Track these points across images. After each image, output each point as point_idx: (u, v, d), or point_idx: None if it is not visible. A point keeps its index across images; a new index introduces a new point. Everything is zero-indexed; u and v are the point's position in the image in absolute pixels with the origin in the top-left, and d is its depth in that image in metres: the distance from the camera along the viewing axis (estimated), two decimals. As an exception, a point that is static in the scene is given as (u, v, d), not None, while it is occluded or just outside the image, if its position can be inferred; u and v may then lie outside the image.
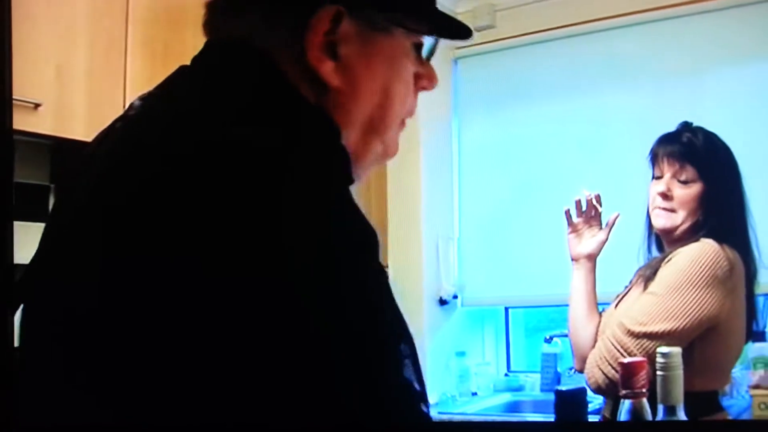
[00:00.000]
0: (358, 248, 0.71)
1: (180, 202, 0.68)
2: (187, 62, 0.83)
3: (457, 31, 0.88)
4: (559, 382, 3.36)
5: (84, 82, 2.25)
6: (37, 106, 2.12)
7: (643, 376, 1.04)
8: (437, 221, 3.44)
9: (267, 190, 0.67)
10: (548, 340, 3.30)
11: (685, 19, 3.08)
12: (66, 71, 2.20)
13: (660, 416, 1.04)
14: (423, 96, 3.07)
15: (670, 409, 1.03)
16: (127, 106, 2.32)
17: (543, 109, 3.39)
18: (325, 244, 0.68)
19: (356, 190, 2.63)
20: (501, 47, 3.51)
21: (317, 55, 0.76)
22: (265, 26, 0.77)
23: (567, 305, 3.37)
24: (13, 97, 2.02)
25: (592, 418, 2.43)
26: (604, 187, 2.45)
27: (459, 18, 3.23)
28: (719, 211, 1.86)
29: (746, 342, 1.88)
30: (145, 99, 0.82)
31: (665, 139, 1.95)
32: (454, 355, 3.37)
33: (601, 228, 2.03)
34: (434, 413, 3.02)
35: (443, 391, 3.26)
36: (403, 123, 0.88)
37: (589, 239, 2.03)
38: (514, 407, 3.27)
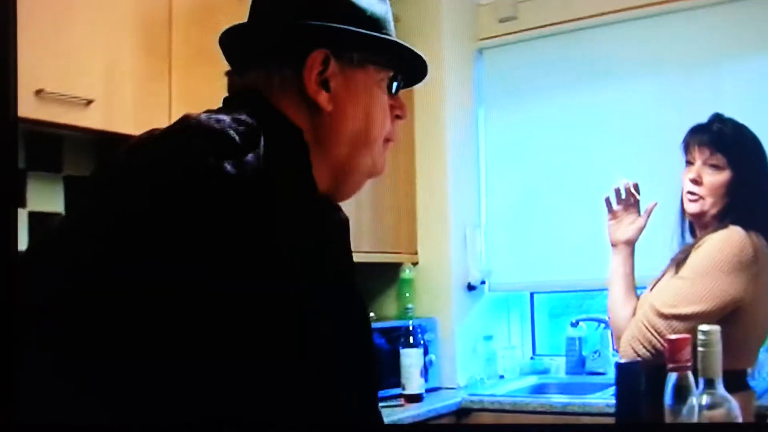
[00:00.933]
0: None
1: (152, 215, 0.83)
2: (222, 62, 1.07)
3: (415, 65, 1.06)
4: (583, 366, 3.45)
5: (131, 80, 2.35)
6: (89, 102, 2.22)
7: (688, 351, 1.13)
8: (464, 210, 3.53)
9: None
10: (574, 324, 3.39)
11: (708, 9, 3.15)
12: (114, 70, 2.30)
13: (700, 388, 1.13)
14: (449, 87, 3.16)
15: (709, 382, 1.11)
16: (170, 102, 2.41)
17: (565, 99, 3.47)
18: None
19: (385, 184, 2.73)
20: (524, 38, 3.58)
21: (315, 88, 0.98)
22: (268, 75, 1.00)
23: (590, 290, 3.49)
24: (67, 94, 2.15)
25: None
26: (628, 174, 2.55)
27: (482, 9, 3.29)
28: (746, 198, 1.94)
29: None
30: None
31: (697, 129, 2.03)
32: (481, 339, 3.47)
33: (639, 215, 2.11)
34: (463, 395, 3.12)
35: (471, 374, 3.36)
36: (386, 143, 1.06)
37: (628, 225, 2.10)
38: (540, 389, 3.36)
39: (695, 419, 1.11)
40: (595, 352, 3.44)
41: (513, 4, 3.63)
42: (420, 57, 1.06)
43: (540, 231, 3.48)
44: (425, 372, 3.07)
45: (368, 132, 1.03)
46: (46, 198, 2.51)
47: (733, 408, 1.13)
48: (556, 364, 3.58)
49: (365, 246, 3.17)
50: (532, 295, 3.75)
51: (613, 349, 3.24)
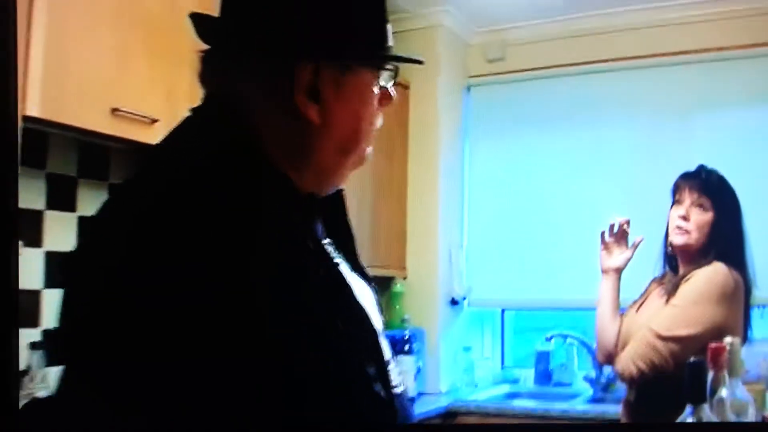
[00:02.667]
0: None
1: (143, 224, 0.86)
2: None
3: (408, 58, 1.04)
4: (551, 377, 3.81)
5: (186, 102, 2.59)
6: (154, 121, 2.46)
7: (724, 357, 1.48)
8: (449, 231, 3.86)
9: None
10: (549, 339, 3.73)
11: (681, 66, 3.56)
12: (173, 93, 2.55)
13: (727, 382, 1.47)
14: (442, 119, 3.51)
15: (734, 379, 1.47)
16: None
17: (545, 136, 3.84)
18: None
19: (381, 206, 3.03)
20: (511, 79, 3.94)
21: (303, 100, 0.94)
22: (247, 80, 0.95)
23: (558, 309, 3.85)
24: (139, 113, 2.39)
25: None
26: (599, 210, 2.93)
27: (472, 49, 3.65)
28: (726, 237, 2.31)
29: (742, 345, 2.33)
30: (162, 140, 1.04)
31: (687, 175, 2.39)
32: (461, 349, 3.80)
33: (627, 247, 2.45)
34: (449, 400, 3.44)
35: (452, 381, 3.69)
36: (371, 138, 1.04)
37: (618, 256, 2.45)
38: (513, 397, 3.70)
39: (727, 406, 1.45)
40: (562, 365, 3.80)
41: (501, 46, 3.98)
42: (418, 61, 1.05)
43: (515, 254, 3.84)
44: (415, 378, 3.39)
45: (357, 136, 1.00)
46: (93, 203, 2.74)
47: (749, 398, 1.48)
48: (524, 375, 3.93)
49: (363, 260, 3.46)
50: (502, 311, 4.10)
51: (594, 360, 3.61)
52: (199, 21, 1.04)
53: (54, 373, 2.39)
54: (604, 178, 3.67)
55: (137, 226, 0.86)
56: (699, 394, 1.35)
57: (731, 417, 1.50)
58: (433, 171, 3.79)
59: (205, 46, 1.05)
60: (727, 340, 1.48)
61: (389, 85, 1.03)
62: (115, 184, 2.79)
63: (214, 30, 1.03)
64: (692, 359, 1.37)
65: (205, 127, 0.99)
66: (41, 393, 2.06)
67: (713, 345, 1.53)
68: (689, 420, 1.35)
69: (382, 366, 0.94)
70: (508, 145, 3.93)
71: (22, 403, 2.04)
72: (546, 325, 3.96)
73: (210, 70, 1.03)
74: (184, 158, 0.94)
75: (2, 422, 0.95)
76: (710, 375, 1.51)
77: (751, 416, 1.60)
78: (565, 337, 3.76)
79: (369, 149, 1.04)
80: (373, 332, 0.96)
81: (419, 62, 1.05)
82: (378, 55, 1.00)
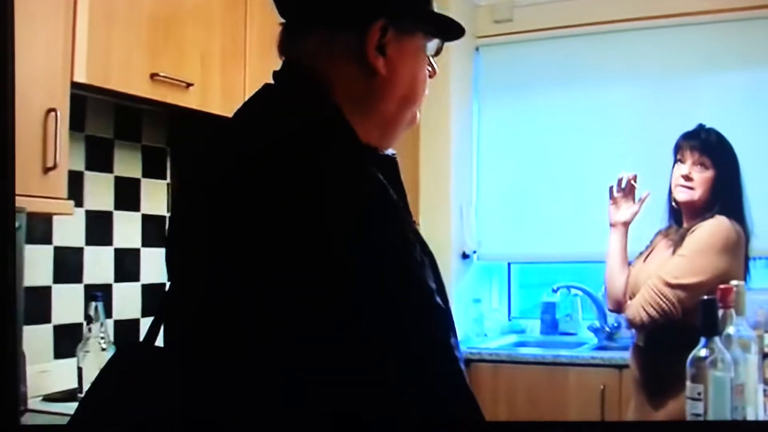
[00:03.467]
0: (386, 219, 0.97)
1: (242, 198, 0.98)
2: None
3: (456, 32, 1.19)
4: (557, 327, 3.99)
5: (218, 67, 2.72)
6: (188, 85, 2.59)
7: (732, 297, 1.65)
8: (460, 189, 4.02)
9: (306, 185, 0.96)
10: (555, 290, 3.91)
11: (684, 27, 3.69)
12: (207, 58, 2.68)
13: (734, 319, 1.65)
14: (452, 79, 3.66)
15: (740, 317, 1.64)
16: (244, 86, 2.75)
17: (553, 97, 3.98)
18: (362, 221, 0.95)
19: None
20: (518, 39, 4.07)
21: (373, 54, 1.08)
22: (327, 41, 1.09)
23: (564, 262, 4.02)
24: (175, 78, 2.52)
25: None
26: (604, 167, 3.08)
27: (481, 10, 3.78)
28: (726, 193, 2.47)
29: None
30: (240, 109, 1.12)
31: (687, 135, 2.54)
32: (471, 301, 3.98)
33: (634, 202, 2.61)
34: (462, 349, 3.61)
35: (463, 331, 3.87)
36: (422, 100, 1.17)
37: (626, 210, 2.60)
38: (521, 345, 3.89)
39: (734, 341, 1.63)
40: (567, 316, 3.99)
41: (509, 7, 4.10)
42: (461, 28, 1.18)
43: (522, 210, 4.01)
44: (430, 328, 3.55)
45: (414, 93, 1.14)
46: (128, 165, 2.89)
47: (752, 335, 1.66)
48: (531, 326, 4.11)
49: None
50: (509, 265, 4.28)
51: (599, 310, 3.80)
52: None
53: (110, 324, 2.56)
54: (609, 137, 3.82)
55: (254, 193, 0.98)
56: (711, 327, 1.51)
57: (737, 351, 1.67)
58: (445, 130, 3.94)
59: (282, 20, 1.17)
60: (734, 282, 1.65)
61: (434, 58, 1.19)
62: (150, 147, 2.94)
63: (290, 1, 1.16)
64: (705, 297, 1.53)
65: (291, 93, 1.11)
66: (102, 342, 2.22)
67: (722, 286, 1.70)
68: (702, 351, 1.52)
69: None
70: (516, 105, 4.07)
71: (82, 355, 2.21)
72: (549, 280, 4.11)
73: (289, 38, 1.14)
74: (274, 125, 1.06)
75: (2, 422, 1.03)
76: (720, 313, 1.68)
77: (753, 352, 1.78)
78: (570, 288, 3.94)
79: (418, 113, 1.19)
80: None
81: (461, 30, 1.19)
82: (430, 15, 1.16)
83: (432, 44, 1.18)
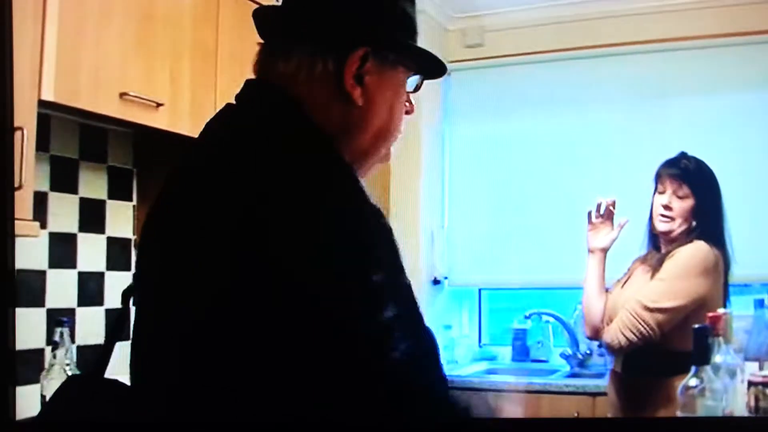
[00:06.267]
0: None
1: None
2: None
3: (438, 70, 1.20)
4: (527, 354, 3.96)
5: (188, 85, 2.66)
6: (158, 105, 2.52)
7: (722, 325, 1.63)
8: (431, 213, 4.00)
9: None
10: (528, 317, 3.88)
11: (653, 54, 3.71)
12: (177, 78, 2.62)
13: (722, 348, 1.62)
14: (422, 104, 3.62)
15: (727, 345, 1.62)
16: (215, 103, 2.70)
17: (526, 122, 3.98)
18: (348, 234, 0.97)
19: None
20: (490, 64, 4.06)
21: (351, 83, 1.08)
22: (306, 65, 1.07)
23: (536, 288, 4.00)
24: (145, 98, 2.45)
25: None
26: (579, 192, 3.06)
27: (451, 34, 3.76)
28: (706, 219, 2.46)
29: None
30: (209, 131, 1.11)
31: (668, 164, 2.53)
32: (442, 327, 3.93)
33: (613, 228, 2.59)
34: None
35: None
36: (398, 136, 1.18)
37: (604, 236, 2.58)
38: (493, 373, 3.84)
39: (722, 369, 1.60)
40: (539, 342, 3.95)
41: (480, 32, 4.10)
42: (444, 66, 1.19)
43: (494, 235, 3.98)
44: (401, 354, 3.50)
45: (389, 126, 1.13)
46: (93, 186, 2.80)
47: (738, 363, 1.63)
48: (502, 353, 4.07)
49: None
50: (480, 291, 4.24)
51: (571, 336, 3.77)
52: (260, 17, 1.17)
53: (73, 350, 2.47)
54: (583, 162, 3.81)
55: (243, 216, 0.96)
56: (704, 356, 1.49)
57: (725, 379, 1.65)
58: (415, 155, 3.90)
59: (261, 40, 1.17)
60: (721, 309, 1.63)
61: (411, 93, 1.19)
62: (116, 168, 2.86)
63: (273, 23, 1.15)
64: (697, 325, 1.51)
65: (268, 112, 1.08)
66: (68, 369, 2.13)
67: (711, 314, 1.67)
68: (693, 380, 1.49)
69: None
70: (488, 130, 4.05)
71: (45, 382, 2.12)
72: (520, 305, 4.09)
73: (268, 59, 1.12)
74: (255, 143, 1.03)
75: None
76: (713, 341, 1.66)
77: (739, 380, 1.75)
78: (541, 314, 3.91)
79: (393, 150, 1.19)
80: None
81: (443, 69, 1.20)
82: (413, 50, 1.15)
83: (412, 80, 1.17)
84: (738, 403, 1.64)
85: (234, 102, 1.13)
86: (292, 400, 0.92)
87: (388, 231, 1.03)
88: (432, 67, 1.19)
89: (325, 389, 0.92)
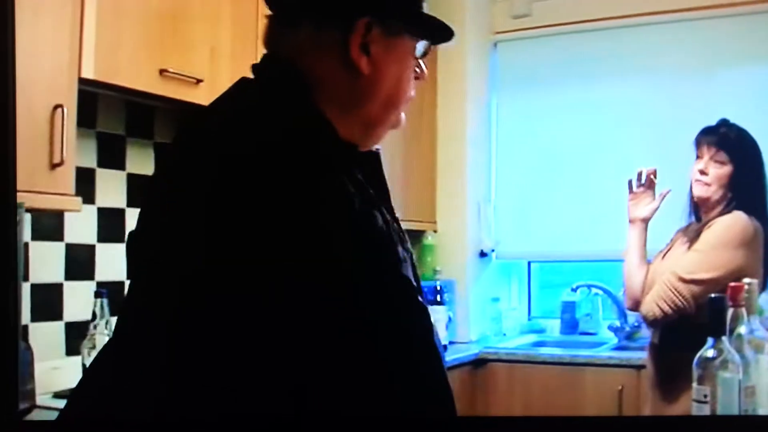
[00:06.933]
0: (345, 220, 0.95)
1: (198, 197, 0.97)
2: None
3: (444, 35, 1.15)
4: (576, 327, 3.94)
5: (228, 62, 2.71)
6: (198, 81, 2.57)
7: (742, 295, 1.60)
8: (478, 186, 3.99)
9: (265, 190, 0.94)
10: (574, 290, 3.86)
11: (703, 21, 3.62)
12: (216, 53, 2.66)
13: (744, 320, 1.59)
14: (469, 76, 3.60)
15: (751, 316, 1.59)
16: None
17: (571, 92, 3.92)
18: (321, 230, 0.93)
19: (412, 160, 3.17)
20: (537, 35, 4.01)
21: (357, 52, 1.06)
22: (313, 36, 1.07)
23: (583, 261, 3.97)
24: (184, 74, 2.50)
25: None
26: (625, 162, 3.02)
27: (498, 5, 3.70)
28: (745, 188, 2.41)
29: (761, 292, 2.44)
30: (217, 101, 1.10)
31: (706, 131, 2.48)
32: (489, 300, 3.94)
33: (654, 198, 2.56)
34: (479, 348, 3.58)
35: (481, 330, 3.83)
36: (407, 103, 1.16)
37: (645, 206, 2.55)
38: (540, 345, 3.83)
39: (745, 341, 1.58)
40: (587, 315, 3.93)
41: (528, 2, 4.04)
42: (451, 31, 1.15)
43: (542, 207, 3.95)
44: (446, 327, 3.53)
45: (398, 95, 1.13)
46: (140, 162, 2.88)
47: (766, 336, 1.61)
48: (551, 325, 4.06)
49: (397, 215, 3.59)
50: (529, 263, 4.22)
51: (619, 309, 3.74)
52: None
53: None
54: (629, 132, 3.75)
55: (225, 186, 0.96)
56: (719, 327, 1.47)
57: (749, 353, 1.62)
58: (462, 127, 3.90)
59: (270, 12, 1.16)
60: (746, 279, 1.60)
61: (422, 60, 1.16)
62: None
63: None
64: (713, 295, 1.48)
65: (272, 91, 1.08)
66: (104, 339, 2.21)
67: (732, 284, 1.65)
68: (710, 352, 1.47)
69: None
70: (534, 101, 4.01)
71: (86, 351, 2.20)
72: (570, 279, 4.05)
73: (276, 31, 1.13)
74: (254, 129, 1.02)
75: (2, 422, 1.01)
76: (730, 312, 1.63)
77: (767, 352, 1.72)
78: (590, 287, 3.88)
79: (403, 116, 1.17)
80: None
81: (450, 34, 1.16)
82: (417, 17, 1.12)
83: (420, 46, 1.15)
84: (762, 378, 1.61)
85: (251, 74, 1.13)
86: (265, 391, 0.91)
87: (373, 232, 0.97)
88: (438, 33, 1.16)
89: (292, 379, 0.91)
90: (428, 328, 0.99)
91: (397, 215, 1.09)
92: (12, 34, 1.37)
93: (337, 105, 1.08)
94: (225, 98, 1.11)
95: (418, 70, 1.17)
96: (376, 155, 1.13)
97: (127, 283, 1.09)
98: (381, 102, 1.11)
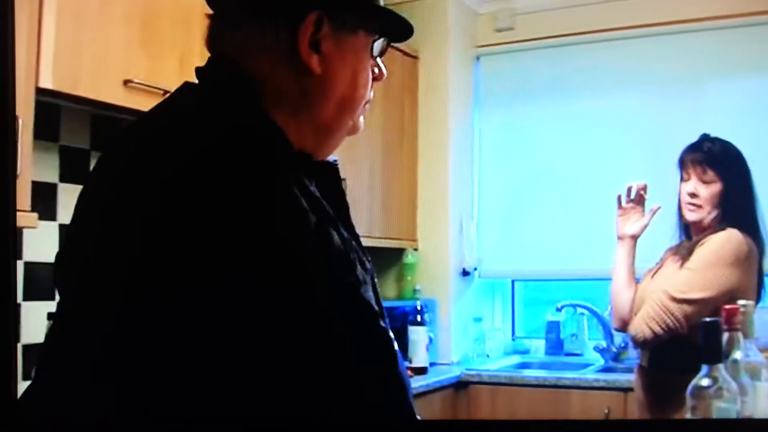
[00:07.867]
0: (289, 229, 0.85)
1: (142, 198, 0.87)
2: None
3: (403, 31, 1.08)
4: (561, 347, 3.83)
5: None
6: (165, 92, 2.45)
7: (738, 318, 1.49)
8: (460, 202, 3.88)
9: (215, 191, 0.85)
10: (559, 309, 3.75)
11: (689, 33, 3.54)
12: (186, 64, 2.55)
13: (741, 343, 1.49)
14: (451, 89, 3.49)
15: (748, 340, 1.49)
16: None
17: (555, 105, 3.84)
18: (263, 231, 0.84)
19: (392, 177, 3.03)
20: (520, 48, 3.93)
21: (306, 50, 0.98)
22: (258, 34, 0.98)
23: (569, 279, 3.87)
24: (151, 85, 2.39)
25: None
26: (612, 177, 2.93)
27: (481, 18, 3.63)
28: (735, 204, 2.31)
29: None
30: (155, 108, 1.01)
31: (690, 149, 2.38)
32: (472, 320, 3.82)
33: (644, 214, 2.45)
34: (461, 370, 3.46)
35: (463, 351, 3.71)
36: (365, 106, 1.08)
37: (635, 222, 2.45)
38: (524, 367, 3.72)
39: (741, 366, 1.47)
40: (573, 335, 3.82)
41: (511, 15, 3.97)
42: (410, 27, 1.08)
43: (526, 224, 3.85)
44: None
45: (353, 96, 1.04)
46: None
47: (762, 360, 1.50)
48: (535, 346, 3.95)
49: (376, 232, 3.49)
50: (513, 282, 4.11)
51: (605, 329, 3.64)
52: None
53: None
54: (616, 147, 3.66)
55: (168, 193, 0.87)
56: (714, 353, 1.36)
57: (745, 378, 1.51)
58: (444, 141, 3.80)
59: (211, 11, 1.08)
60: (741, 302, 1.50)
61: (380, 60, 1.08)
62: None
63: None
64: (707, 319, 1.38)
65: (216, 96, 0.99)
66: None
67: (727, 306, 1.54)
68: (704, 380, 1.36)
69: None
70: (518, 115, 3.92)
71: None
72: (555, 297, 3.97)
73: (217, 32, 1.04)
74: (185, 126, 0.93)
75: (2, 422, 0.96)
76: (725, 336, 1.52)
77: (764, 378, 1.61)
78: (576, 307, 3.77)
79: (362, 120, 1.08)
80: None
81: (409, 30, 1.08)
82: (372, 11, 1.05)
83: (378, 44, 1.07)
84: (760, 405, 1.50)
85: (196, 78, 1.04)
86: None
87: (329, 251, 0.88)
88: (396, 29, 1.08)
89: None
90: (392, 356, 0.90)
91: (357, 232, 0.98)
92: (12, 35, 1.27)
93: (286, 109, 0.99)
94: (163, 104, 1.01)
95: (376, 69, 1.08)
96: (333, 166, 1.04)
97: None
98: (335, 104, 1.02)
